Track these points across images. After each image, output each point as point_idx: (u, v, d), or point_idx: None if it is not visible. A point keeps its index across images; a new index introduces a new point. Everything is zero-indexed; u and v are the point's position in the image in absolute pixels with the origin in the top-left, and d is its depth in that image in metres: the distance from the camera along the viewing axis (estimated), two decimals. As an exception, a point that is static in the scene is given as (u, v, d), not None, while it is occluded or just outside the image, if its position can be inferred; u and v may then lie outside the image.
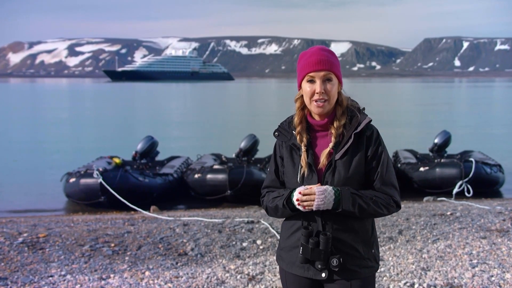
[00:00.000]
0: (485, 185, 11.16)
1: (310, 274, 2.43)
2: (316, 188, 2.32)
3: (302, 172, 2.42)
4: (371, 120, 2.44)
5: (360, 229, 2.44)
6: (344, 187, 2.36)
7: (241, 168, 10.74)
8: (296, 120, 2.50)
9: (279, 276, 2.66)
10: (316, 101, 2.40)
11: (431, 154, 13.06)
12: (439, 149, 12.87)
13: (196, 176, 11.02)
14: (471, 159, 11.35)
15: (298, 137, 2.46)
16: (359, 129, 2.40)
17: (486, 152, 13.42)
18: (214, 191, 10.69)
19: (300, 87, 2.49)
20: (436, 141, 12.94)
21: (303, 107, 2.50)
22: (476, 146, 15.26)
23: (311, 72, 2.41)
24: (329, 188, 2.32)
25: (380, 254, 5.65)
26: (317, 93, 2.39)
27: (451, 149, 13.27)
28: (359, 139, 2.42)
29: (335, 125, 2.43)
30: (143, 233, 6.59)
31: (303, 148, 2.44)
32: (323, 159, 2.41)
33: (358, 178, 2.40)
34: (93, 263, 5.41)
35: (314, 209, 2.33)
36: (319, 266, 2.38)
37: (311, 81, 2.41)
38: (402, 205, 9.02)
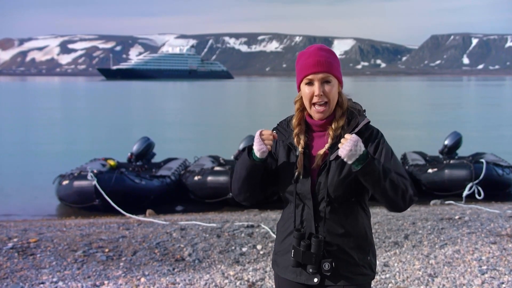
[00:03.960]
0: (497, 188, 11.14)
1: (302, 279, 2.45)
2: (352, 135, 2.28)
3: (297, 173, 2.43)
4: (369, 122, 2.45)
5: (355, 234, 2.44)
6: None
7: None
8: (294, 121, 2.52)
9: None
10: (315, 104, 2.43)
11: (441, 156, 13.04)
12: (450, 151, 12.84)
13: (196, 178, 11.00)
14: (482, 160, 11.33)
15: (295, 139, 2.48)
16: (356, 130, 2.41)
17: (500, 154, 13.40)
18: (214, 194, 10.67)
19: (299, 89, 2.51)
20: (446, 142, 12.92)
21: (302, 108, 2.52)
22: (488, 148, 15.24)
23: (309, 74, 2.42)
24: (360, 141, 2.28)
25: (386, 260, 5.67)
26: (316, 95, 2.41)
27: (462, 151, 13.24)
28: None
29: (333, 126, 2.45)
30: (138, 238, 6.59)
31: (300, 150, 2.46)
32: (317, 159, 2.43)
33: (352, 179, 2.39)
34: (86, 269, 5.41)
35: (340, 154, 2.28)
36: (311, 270, 2.39)
37: (310, 83, 2.44)
38: (408, 209, 9.02)
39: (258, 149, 2.39)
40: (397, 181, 2.33)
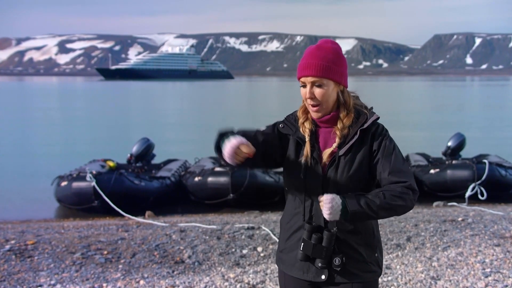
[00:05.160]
0: (500, 188, 11.14)
1: (309, 277, 2.45)
2: (324, 196, 2.33)
3: (304, 163, 2.44)
4: (378, 118, 2.47)
5: (363, 231, 2.46)
6: (347, 193, 2.37)
7: (244, 171, 10.69)
8: (299, 111, 2.56)
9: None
10: (310, 105, 2.47)
11: (444, 157, 13.05)
12: (453, 152, 12.84)
13: (196, 179, 10.99)
14: (484, 160, 11.33)
15: (301, 128, 2.50)
16: (365, 125, 2.43)
17: (504, 156, 13.38)
18: (215, 195, 10.66)
19: None
20: (449, 144, 12.92)
21: None
22: (492, 149, 15.22)
23: (301, 77, 2.46)
24: (337, 196, 2.31)
25: (388, 262, 5.67)
26: (306, 98, 2.45)
27: (465, 153, 13.23)
28: (364, 136, 2.44)
29: (339, 126, 2.46)
30: (137, 240, 6.60)
31: (307, 138, 2.48)
32: (326, 155, 2.45)
33: (361, 175, 2.43)
34: (85, 272, 5.41)
35: (326, 217, 2.34)
36: (320, 265, 2.40)
37: (303, 85, 2.47)
38: (411, 211, 9.01)
39: (227, 157, 2.29)
40: (390, 205, 2.34)
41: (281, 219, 2.65)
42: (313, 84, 2.43)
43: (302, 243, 2.41)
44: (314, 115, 2.48)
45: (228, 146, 2.28)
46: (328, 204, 2.29)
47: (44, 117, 35.11)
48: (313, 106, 2.45)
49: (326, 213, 2.31)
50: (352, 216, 2.31)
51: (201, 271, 5.52)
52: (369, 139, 2.44)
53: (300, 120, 2.52)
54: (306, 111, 2.54)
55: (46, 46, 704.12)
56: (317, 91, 2.42)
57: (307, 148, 2.45)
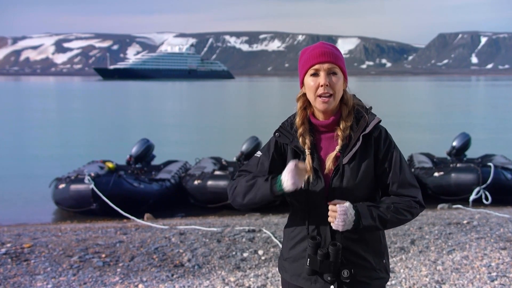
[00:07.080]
0: (505, 192, 11.12)
1: (317, 287, 2.42)
2: (338, 206, 2.29)
3: (307, 177, 2.38)
4: (380, 121, 2.42)
5: (370, 239, 2.43)
6: (359, 202, 2.34)
7: None
8: (298, 121, 2.47)
9: (281, 288, 2.66)
10: (320, 96, 2.38)
11: (448, 158, 13.03)
12: (458, 152, 12.83)
13: (196, 182, 11.01)
14: (490, 164, 11.31)
15: (300, 140, 2.44)
16: (367, 130, 2.38)
17: (510, 156, 13.37)
18: (215, 199, 10.68)
19: (302, 84, 2.48)
20: (454, 144, 12.90)
21: (305, 106, 2.48)
22: (498, 149, 15.21)
23: (315, 64, 2.40)
24: (350, 207, 2.29)
25: (391, 266, 5.66)
26: (321, 85, 2.37)
27: (471, 153, 13.23)
28: (367, 141, 2.40)
29: (341, 126, 2.41)
30: (136, 243, 6.60)
31: (307, 152, 2.41)
32: (329, 163, 2.39)
33: (367, 183, 2.40)
34: (82, 276, 5.41)
35: (335, 228, 2.32)
36: (329, 279, 2.37)
37: (315, 74, 2.40)
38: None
39: (291, 183, 2.29)
40: (398, 220, 2.37)
41: (285, 226, 2.62)
42: (328, 71, 2.39)
43: (308, 259, 2.37)
44: (323, 106, 2.38)
45: (290, 174, 2.29)
46: (342, 216, 2.27)
47: (42, 117, 35.12)
48: (325, 96, 2.37)
49: (338, 225, 2.29)
50: (363, 229, 2.31)
51: (201, 275, 5.52)
52: (373, 145, 2.41)
53: (299, 131, 2.45)
54: (304, 121, 2.47)
55: (43, 45, 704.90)
56: (333, 78, 2.39)
57: (308, 161, 2.40)
